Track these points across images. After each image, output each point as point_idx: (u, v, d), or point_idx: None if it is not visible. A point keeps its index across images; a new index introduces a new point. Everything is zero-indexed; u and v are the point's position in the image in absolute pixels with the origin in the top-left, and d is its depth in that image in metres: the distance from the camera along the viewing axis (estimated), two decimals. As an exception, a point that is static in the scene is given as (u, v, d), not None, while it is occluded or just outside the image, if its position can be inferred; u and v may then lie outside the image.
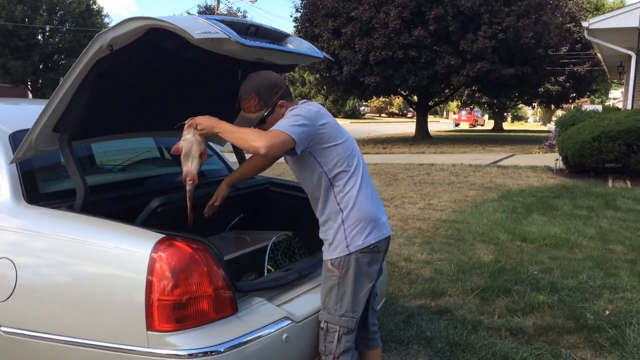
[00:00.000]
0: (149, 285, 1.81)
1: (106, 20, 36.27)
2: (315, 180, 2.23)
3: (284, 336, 2.04)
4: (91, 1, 34.75)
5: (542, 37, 19.03)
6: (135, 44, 1.96)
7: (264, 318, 2.04)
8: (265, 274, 2.64)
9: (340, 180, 2.21)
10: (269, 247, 2.72)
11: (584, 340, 3.31)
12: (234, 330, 1.91)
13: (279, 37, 2.38)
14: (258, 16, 73.63)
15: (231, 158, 3.44)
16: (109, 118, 2.39)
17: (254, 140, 2.00)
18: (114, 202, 2.54)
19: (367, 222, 2.21)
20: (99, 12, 35.50)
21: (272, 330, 2.01)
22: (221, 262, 1.96)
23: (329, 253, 2.23)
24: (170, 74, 2.40)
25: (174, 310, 1.80)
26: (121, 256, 1.91)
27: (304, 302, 2.30)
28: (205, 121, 2.11)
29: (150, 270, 1.82)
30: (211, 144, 3.40)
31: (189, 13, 34.33)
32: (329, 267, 2.22)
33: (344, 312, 2.19)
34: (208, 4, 39.70)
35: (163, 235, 1.90)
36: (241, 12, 41.55)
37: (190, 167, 2.20)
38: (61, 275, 2.00)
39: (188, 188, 2.25)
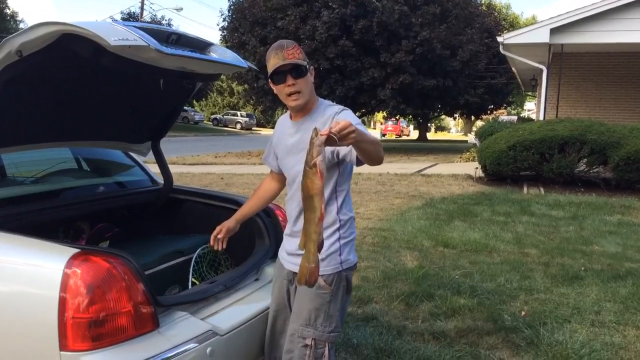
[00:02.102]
0: (62, 302, 1.72)
1: (21, 25, 34.55)
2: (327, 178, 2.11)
3: (208, 350, 2.00)
4: (3, 5, 32.98)
5: (456, 50, 19.95)
6: (47, 50, 1.88)
7: (187, 332, 1.99)
8: (190, 286, 2.58)
9: (342, 193, 2.16)
10: (193, 259, 2.66)
11: (502, 341, 3.46)
12: (155, 347, 1.85)
13: (202, 45, 2.35)
14: (184, 25, 72.42)
15: (154, 169, 3.35)
16: (20, 127, 2.27)
17: (381, 148, 1.89)
18: (26, 216, 2.41)
19: (354, 240, 2.22)
20: (13, 16, 33.79)
21: (196, 345, 1.97)
22: (141, 276, 1.90)
23: (321, 269, 1.99)
24: (88, 82, 2.31)
25: (89, 328, 1.72)
26: (32, 273, 1.81)
27: (230, 314, 2.26)
28: (346, 127, 1.68)
29: (64, 287, 1.73)
30: (132, 154, 3.30)
31: (112, 19, 33.29)
32: (321, 283, 2.07)
33: (332, 328, 2.14)
34: (132, 11, 38.70)
35: (78, 250, 1.82)
36: (166, 20, 40.71)
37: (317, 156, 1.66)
38: (-35, 296, 1.87)
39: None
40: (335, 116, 2.06)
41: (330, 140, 1.66)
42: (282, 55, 2.03)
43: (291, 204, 2.22)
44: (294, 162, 2.15)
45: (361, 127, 1.90)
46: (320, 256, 1.91)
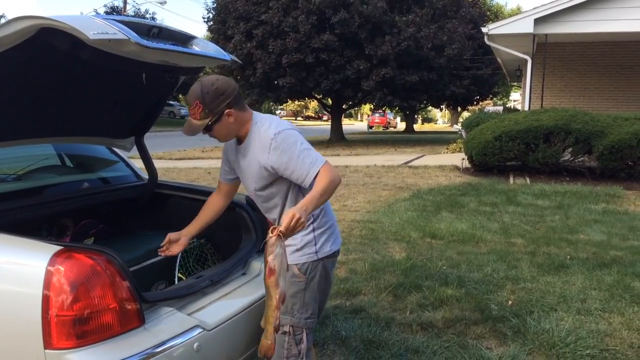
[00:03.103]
0: (46, 300, 1.70)
1: (1, 20, 34.01)
2: (285, 187, 2.21)
3: (195, 345, 1.99)
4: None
5: (443, 47, 20.00)
6: (25, 45, 1.84)
7: (174, 328, 1.97)
8: (176, 282, 2.56)
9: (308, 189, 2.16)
10: (179, 255, 2.64)
11: (489, 331, 3.48)
12: (141, 343, 1.83)
13: (183, 38, 2.32)
14: (169, 18, 71.62)
15: (139, 164, 3.32)
16: (0, 124, 2.23)
17: (334, 179, 2.04)
18: (8, 214, 2.37)
19: (333, 228, 2.31)
20: (-6, 12, 33.20)
21: (183, 340, 1.95)
22: (126, 272, 1.88)
23: (296, 258, 2.21)
24: (68, 77, 2.28)
25: (74, 325, 1.70)
26: (14, 271, 1.78)
27: (217, 309, 2.25)
28: (291, 221, 1.86)
29: (47, 285, 1.71)
30: (116, 149, 3.27)
31: (96, 12, 32.86)
32: (295, 272, 2.20)
33: (309, 315, 2.23)
34: (115, 4, 38.27)
35: (61, 247, 1.79)
36: (150, 14, 40.30)
37: (282, 285, 1.92)
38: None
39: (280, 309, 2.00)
40: (270, 147, 2.10)
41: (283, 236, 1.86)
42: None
43: (265, 214, 2.37)
44: (250, 182, 2.27)
45: (304, 146, 2.10)
46: (296, 246, 2.20)
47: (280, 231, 1.87)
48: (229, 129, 2.15)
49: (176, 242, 2.45)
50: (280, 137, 2.10)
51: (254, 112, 2.23)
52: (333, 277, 2.41)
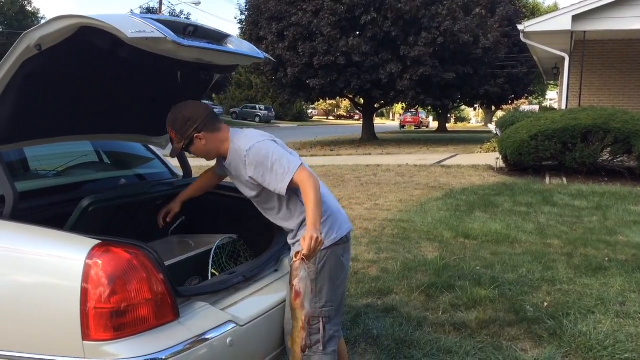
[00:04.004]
0: (85, 293, 1.74)
1: (43, 20, 34.99)
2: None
3: (228, 340, 2.01)
4: (26, 2, 33.42)
5: (479, 37, 19.72)
6: (65, 44, 1.89)
7: (207, 322, 1.99)
8: (210, 278, 2.59)
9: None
10: (212, 251, 2.68)
11: (524, 332, 3.42)
12: (175, 336, 1.86)
13: (218, 37, 2.34)
14: (203, 18, 72.60)
15: (174, 162, 3.37)
16: (40, 121, 2.29)
17: (313, 185, 2.15)
18: (48, 209, 2.44)
19: (336, 215, 2.37)
20: (35, 14, 34.19)
21: (216, 335, 1.98)
22: (161, 267, 1.91)
23: None
24: (106, 75, 2.32)
25: (111, 318, 1.74)
26: (54, 264, 1.83)
27: (249, 305, 2.27)
28: (311, 243, 2.00)
29: (86, 278, 1.75)
30: (152, 146, 3.32)
31: (132, 12, 33.53)
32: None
33: (324, 303, 2.28)
34: (150, 5, 38.93)
35: (99, 241, 1.83)
36: (184, 14, 40.92)
37: (307, 306, 2.06)
38: (-10, 287, 1.90)
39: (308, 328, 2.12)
40: (246, 163, 2.25)
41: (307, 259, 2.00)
42: None
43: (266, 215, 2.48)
44: (244, 191, 2.42)
45: (275, 157, 2.20)
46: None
47: (303, 254, 1.98)
48: (206, 150, 2.32)
49: (173, 207, 2.72)
50: (252, 153, 2.23)
51: (232, 129, 2.36)
52: (348, 264, 2.44)
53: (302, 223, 2.30)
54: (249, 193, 2.38)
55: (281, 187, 2.20)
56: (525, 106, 21.12)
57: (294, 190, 2.26)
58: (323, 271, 2.28)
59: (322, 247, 2.24)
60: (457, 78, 20.23)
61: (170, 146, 2.48)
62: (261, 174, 2.22)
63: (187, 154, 2.64)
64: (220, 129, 2.31)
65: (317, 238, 2.01)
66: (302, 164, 2.24)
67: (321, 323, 2.27)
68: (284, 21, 20.01)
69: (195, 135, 2.26)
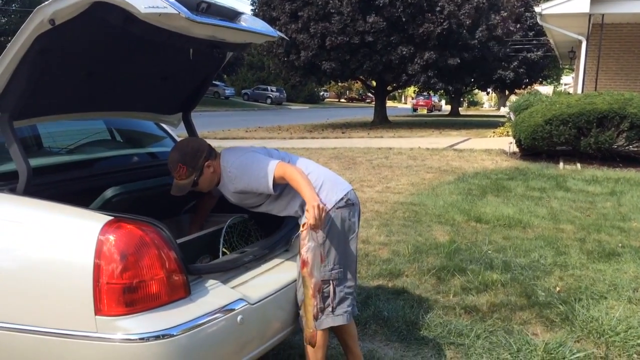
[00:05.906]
0: (97, 268, 1.75)
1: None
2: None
3: (238, 318, 2.01)
4: (39, -19, 33.37)
5: (480, 20, 19.60)
6: (79, 19, 1.87)
7: (218, 300, 2.00)
8: (221, 256, 2.60)
9: None
10: (224, 230, 2.68)
11: (535, 317, 3.40)
12: (187, 313, 1.87)
13: (232, 14, 2.31)
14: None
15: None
16: (53, 97, 2.29)
17: (291, 170, 2.29)
18: (61, 185, 2.45)
19: (331, 179, 2.44)
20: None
21: (227, 312, 1.98)
22: (173, 244, 1.91)
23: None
24: (119, 52, 2.31)
25: (123, 294, 1.75)
26: (67, 239, 1.84)
27: (260, 283, 2.28)
28: (314, 211, 2.09)
29: (98, 254, 1.75)
30: (164, 125, 3.32)
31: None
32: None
33: (332, 266, 2.31)
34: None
35: (111, 217, 1.84)
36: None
37: (317, 274, 2.12)
38: (4, 261, 1.90)
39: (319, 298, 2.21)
40: (231, 180, 2.41)
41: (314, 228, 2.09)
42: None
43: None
44: (243, 204, 2.56)
45: (254, 164, 2.36)
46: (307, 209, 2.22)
47: (310, 224, 2.04)
48: (211, 179, 2.45)
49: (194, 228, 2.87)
50: (232, 170, 2.39)
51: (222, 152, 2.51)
52: (356, 227, 2.46)
53: (303, 202, 2.32)
54: (247, 203, 2.52)
55: (268, 188, 2.31)
56: (539, 86, 20.87)
57: (283, 185, 2.37)
58: (329, 235, 2.31)
59: (327, 211, 2.31)
60: (464, 63, 20.16)
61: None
62: (247, 182, 2.36)
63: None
64: (217, 155, 2.47)
65: (318, 205, 2.10)
66: (280, 161, 2.35)
67: (331, 286, 2.30)
68: (298, 1, 19.85)
69: (206, 163, 2.40)
